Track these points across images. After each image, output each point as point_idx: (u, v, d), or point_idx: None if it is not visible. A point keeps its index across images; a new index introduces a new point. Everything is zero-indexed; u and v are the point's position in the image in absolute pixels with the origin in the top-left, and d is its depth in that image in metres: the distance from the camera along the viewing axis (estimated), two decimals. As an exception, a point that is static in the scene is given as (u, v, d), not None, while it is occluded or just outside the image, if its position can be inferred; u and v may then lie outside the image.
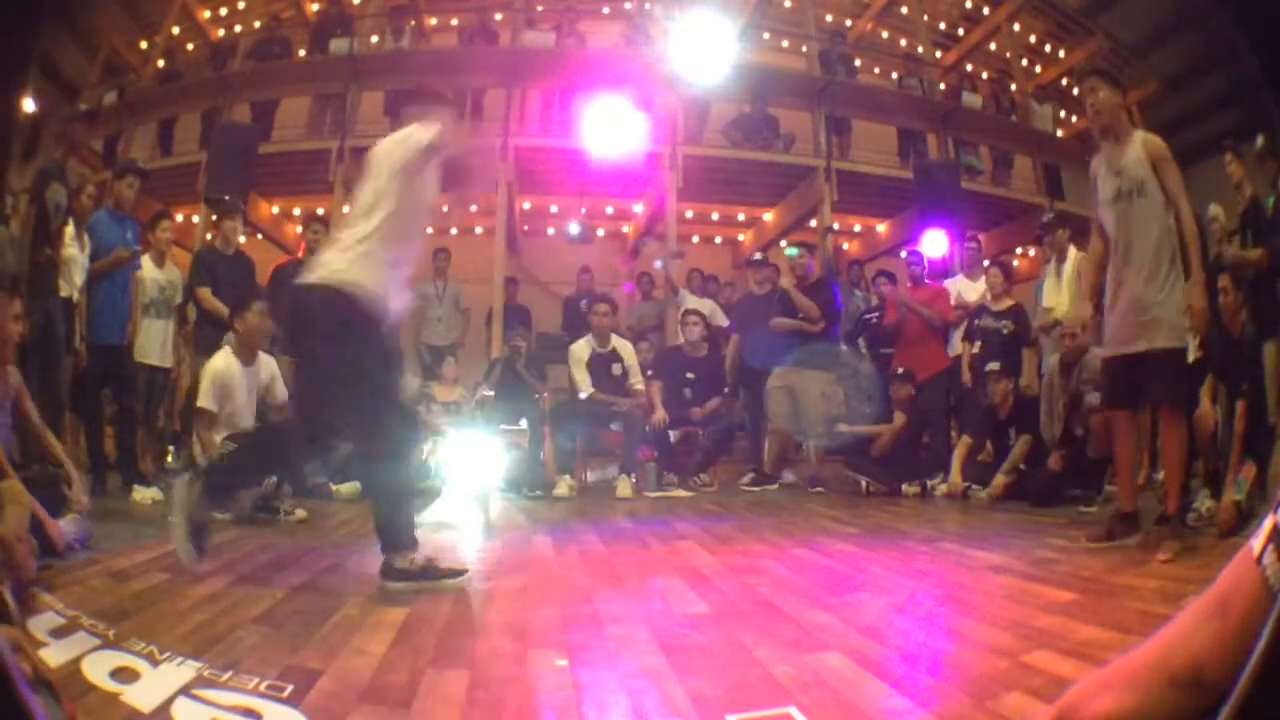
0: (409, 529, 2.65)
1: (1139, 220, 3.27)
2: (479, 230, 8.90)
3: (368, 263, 2.62)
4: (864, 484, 5.62)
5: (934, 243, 7.03)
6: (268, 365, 4.21)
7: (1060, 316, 5.12)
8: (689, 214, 8.74)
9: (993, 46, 9.50)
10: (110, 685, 1.65)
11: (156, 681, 1.67)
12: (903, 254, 7.07)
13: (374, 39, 8.57)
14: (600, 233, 9.13)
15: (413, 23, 8.67)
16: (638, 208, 9.05)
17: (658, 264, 7.80)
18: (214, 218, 6.78)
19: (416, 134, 2.70)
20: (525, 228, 9.14)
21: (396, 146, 2.72)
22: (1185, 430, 3.37)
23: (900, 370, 5.78)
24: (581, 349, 5.77)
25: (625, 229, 9.47)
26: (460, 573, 2.64)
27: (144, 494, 4.60)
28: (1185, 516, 3.38)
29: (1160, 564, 2.91)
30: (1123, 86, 3.56)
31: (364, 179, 2.76)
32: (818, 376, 5.86)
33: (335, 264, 2.64)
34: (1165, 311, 3.22)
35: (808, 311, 5.90)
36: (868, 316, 6.79)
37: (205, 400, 3.89)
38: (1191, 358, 4.30)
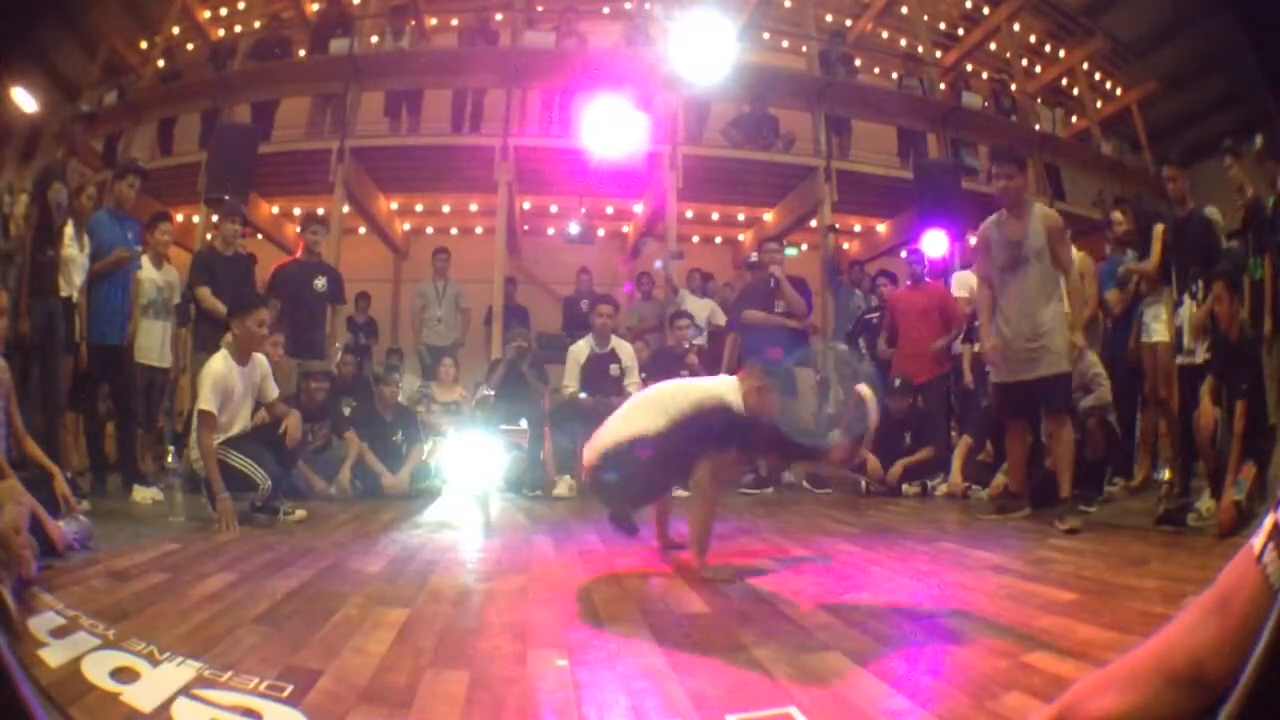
0: None
1: (1032, 279, 4.05)
2: (479, 230, 8.91)
3: None
4: (864, 484, 5.61)
5: (934, 243, 7.02)
6: (260, 364, 4.20)
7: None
8: (689, 214, 8.73)
9: (993, 46, 9.50)
10: (110, 685, 1.65)
11: (156, 681, 1.67)
12: (903, 254, 7.06)
13: (374, 39, 8.57)
14: (600, 233, 9.12)
15: (413, 23, 8.67)
16: (638, 208, 9.05)
17: (658, 264, 7.79)
18: (214, 218, 6.79)
19: None
20: (525, 228, 9.14)
21: None
22: (1070, 431, 4.17)
23: (898, 382, 5.74)
24: (580, 349, 5.77)
25: (625, 229, 9.47)
26: None
27: (144, 494, 4.60)
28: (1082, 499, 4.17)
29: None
30: (1026, 167, 4.41)
31: None
32: (803, 374, 5.86)
33: None
34: (1053, 347, 4.02)
35: (795, 306, 5.87)
36: (868, 316, 6.78)
37: (206, 403, 3.87)
38: (1200, 359, 4.33)
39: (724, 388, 2.99)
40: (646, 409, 2.95)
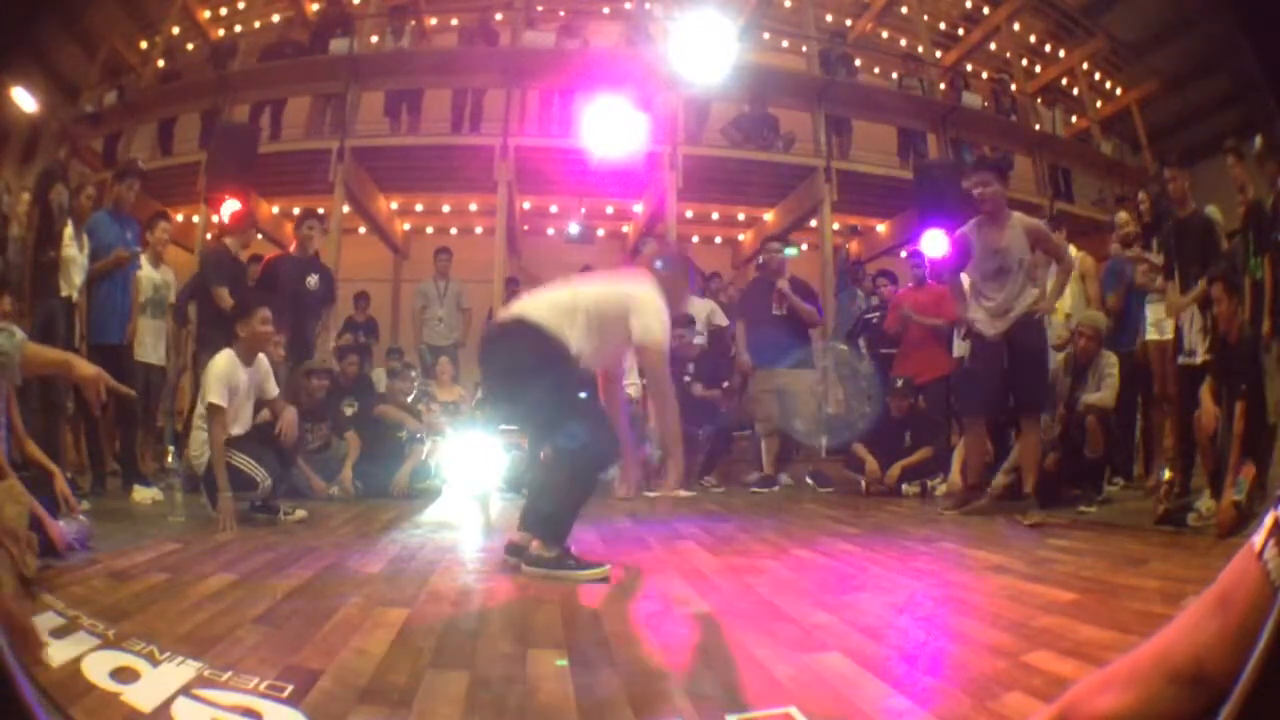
0: (568, 524, 2.89)
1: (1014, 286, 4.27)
2: (479, 230, 8.91)
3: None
4: (864, 484, 5.61)
5: (934, 243, 7.02)
6: (261, 363, 4.20)
7: (1076, 318, 5.14)
8: (689, 214, 8.73)
9: (993, 46, 9.49)
10: (110, 685, 1.65)
11: (156, 681, 1.67)
12: (903, 254, 7.06)
13: (374, 39, 8.57)
14: (600, 233, 9.12)
15: (413, 23, 8.67)
16: (638, 208, 9.04)
17: (658, 264, 7.77)
18: (214, 220, 6.79)
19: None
20: (525, 228, 9.13)
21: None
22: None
23: (900, 383, 5.74)
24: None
25: (625, 229, 9.47)
26: (597, 566, 2.82)
27: (144, 494, 4.60)
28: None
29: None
30: (1007, 176, 4.53)
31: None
32: (803, 375, 5.91)
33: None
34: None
35: (807, 317, 5.91)
36: (868, 316, 6.78)
37: (216, 397, 3.87)
38: (1200, 360, 4.34)
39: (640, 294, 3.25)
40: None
